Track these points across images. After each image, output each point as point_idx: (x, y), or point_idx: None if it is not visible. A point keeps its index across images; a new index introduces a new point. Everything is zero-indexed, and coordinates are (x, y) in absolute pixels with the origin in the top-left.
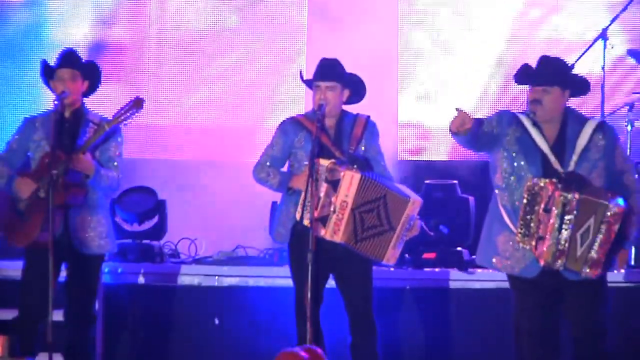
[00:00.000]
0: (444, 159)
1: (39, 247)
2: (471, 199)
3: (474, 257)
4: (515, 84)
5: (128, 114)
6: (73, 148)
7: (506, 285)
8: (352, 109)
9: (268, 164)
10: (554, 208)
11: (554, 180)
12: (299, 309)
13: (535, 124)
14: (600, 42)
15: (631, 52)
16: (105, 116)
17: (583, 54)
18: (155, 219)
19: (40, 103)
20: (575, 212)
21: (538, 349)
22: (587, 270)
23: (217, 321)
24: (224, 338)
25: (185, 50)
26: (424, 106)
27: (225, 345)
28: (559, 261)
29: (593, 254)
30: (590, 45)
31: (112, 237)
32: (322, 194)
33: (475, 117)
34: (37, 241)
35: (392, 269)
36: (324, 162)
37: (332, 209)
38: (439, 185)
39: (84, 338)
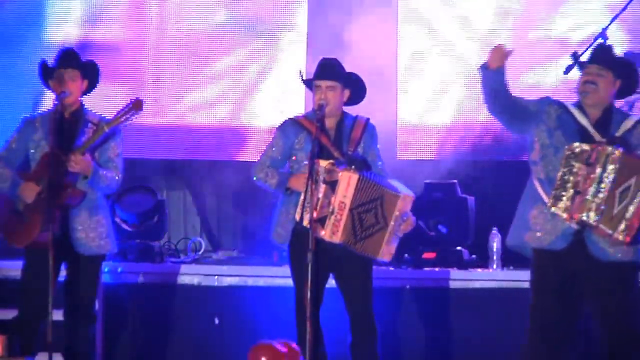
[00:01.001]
0: (444, 159)
1: (39, 247)
2: (471, 198)
3: (473, 256)
4: (573, 60)
5: (127, 116)
6: (72, 148)
7: (506, 285)
8: (353, 107)
9: (268, 164)
10: (597, 162)
11: (598, 141)
12: (299, 309)
13: (579, 107)
14: (600, 42)
15: (628, 55)
16: (104, 116)
17: (583, 53)
18: (155, 219)
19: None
20: (617, 166)
21: (550, 332)
22: (620, 232)
23: (217, 321)
24: (224, 338)
25: (184, 50)
26: (424, 105)
27: (224, 344)
28: (594, 214)
29: (628, 215)
30: (590, 45)
31: (112, 237)
32: (320, 195)
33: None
34: (36, 241)
35: (391, 268)
36: (323, 163)
37: (330, 209)
38: (438, 185)
39: (84, 338)
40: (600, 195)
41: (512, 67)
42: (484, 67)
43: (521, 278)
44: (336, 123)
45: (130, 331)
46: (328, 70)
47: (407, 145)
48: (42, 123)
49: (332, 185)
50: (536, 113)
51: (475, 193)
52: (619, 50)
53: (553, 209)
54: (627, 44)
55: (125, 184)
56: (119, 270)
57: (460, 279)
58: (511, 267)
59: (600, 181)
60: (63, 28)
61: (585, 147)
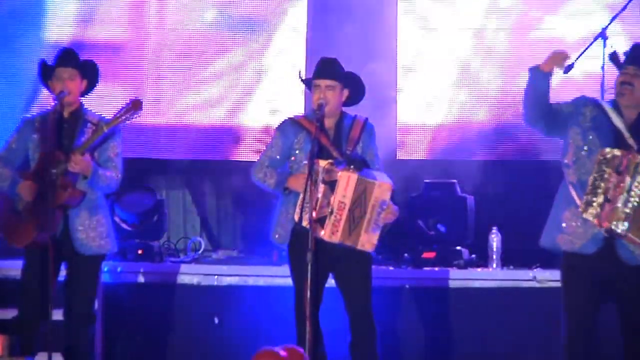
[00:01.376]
0: (443, 158)
1: (39, 247)
2: (470, 198)
3: (473, 256)
4: (610, 61)
5: (127, 115)
6: (72, 148)
7: (506, 284)
8: (353, 107)
9: (267, 164)
10: (626, 171)
11: (629, 150)
12: (298, 309)
13: (615, 107)
14: (599, 42)
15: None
16: (103, 116)
17: (582, 52)
18: (155, 219)
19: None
20: None
21: (581, 325)
22: None
23: (216, 320)
24: (224, 337)
25: (184, 49)
26: (424, 105)
27: (224, 344)
28: (623, 224)
29: None
30: (590, 44)
31: (113, 236)
32: (319, 195)
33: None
34: (36, 241)
35: (391, 268)
36: (322, 163)
37: (329, 209)
38: (438, 184)
39: (84, 337)
40: (630, 204)
41: (511, 67)
42: (535, 69)
43: (521, 277)
44: (335, 123)
45: (130, 331)
46: (327, 70)
47: (407, 145)
48: (42, 123)
49: (332, 185)
50: (570, 115)
51: (474, 192)
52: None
53: (584, 214)
54: (626, 44)
55: (124, 183)
56: (119, 269)
57: (459, 278)
58: (511, 267)
59: (630, 190)
60: (62, 28)
61: (617, 152)
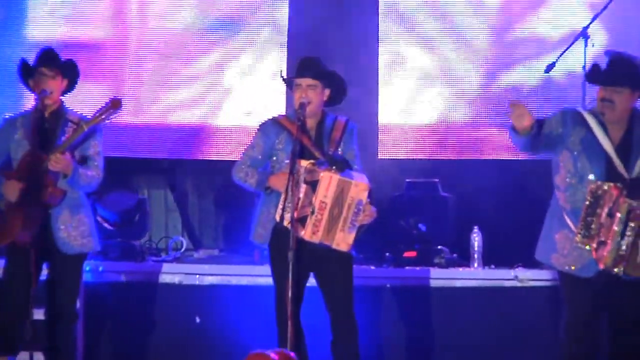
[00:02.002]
0: (425, 158)
1: (20, 246)
2: (452, 197)
3: (454, 255)
4: (588, 82)
5: (106, 115)
6: (53, 147)
7: (487, 284)
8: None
9: (248, 163)
10: (618, 214)
11: (619, 185)
12: (279, 308)
13: (601, 123)
14: (581, 41)
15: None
16: (84, 115)
17: (564, 52)
18: (136, 218)
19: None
20: (639, 219)
21: (580, 346)
22: None
23: (198, 320)
24: (205, 337)
25: (165, 49)
26: (405, 104)
27: (206, 344)
28: (620, 266)
29: None
30: (571, 44)
31: (95, 235)
32: (301, 195)
33: (537, 117)
34: (18, 240)
35: (372, 267)
36: (304, 163)
37: (311, 209)
38: (419, 184)
39: (66, 336)
40: (624, 247)
41: (493, 66)
42: (511, 130)
43: (502, 277)
44: (316, 123)
45: (112, 330)
46: (309, 69)
47: (389, 144)
48: (23, 122)
49: (313, 185)
50: (560, 137)
51: (456, 192)
52: (599, 49)
53: (580, 245)
54: (607, 43)
55: (106, 182)
56: (100, 269)
57: (441, 277)
58: (492, 266)
59: (623, 234)
60: (43, 27)
61: (606, 187)
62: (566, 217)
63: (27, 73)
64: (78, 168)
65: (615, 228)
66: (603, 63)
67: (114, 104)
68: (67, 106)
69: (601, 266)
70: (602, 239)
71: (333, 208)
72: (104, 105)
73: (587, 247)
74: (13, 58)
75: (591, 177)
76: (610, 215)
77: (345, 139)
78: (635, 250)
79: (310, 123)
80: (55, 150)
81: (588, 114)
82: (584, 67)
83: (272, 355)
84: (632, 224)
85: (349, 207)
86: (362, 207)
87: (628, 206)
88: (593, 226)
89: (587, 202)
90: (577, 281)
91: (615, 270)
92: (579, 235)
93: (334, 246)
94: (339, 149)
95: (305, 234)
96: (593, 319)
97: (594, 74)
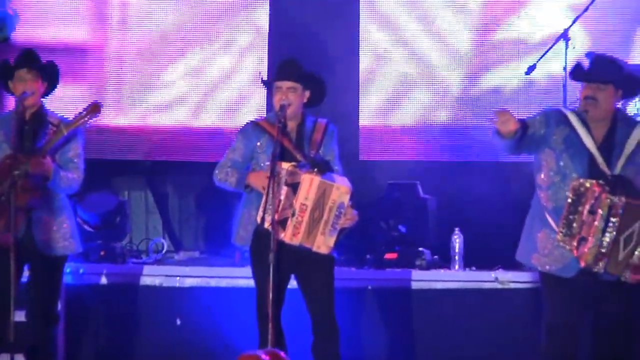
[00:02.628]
0: (406, 160)
1: (1, 248)
2: (432, 199)
3: (435, 257)
4: (572, 80)
5: (86, 119)
6: (33, 150)
7: (467, 285)
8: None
9: (229, 165)
10: (599, 210)
11: (601, 182)
12: (260, 311)
13: (584, 122)
14: (562, 42)
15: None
16: (65, 116)
17: (545, 53)
18: (117, 220)
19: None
20: (620, 215)
21: (561, 347)
22: (628, 274)
23: (178, 322)
24: (186, 338)
25: (145, 51)
26: (386, 106)
27: (186, 345)
28: (600, 263)
29: (635, 259)
30: (552, 45)
31: (77, 237)
32: (282, 197)
33: (519, 118)
34: None
35: (353, 269)
36: (285, 165)
37: (291, 212)
38: (400, 185)
39: (47, 338)
40: (605, 243)
41: (474, 69)
42: (497, 134)
43: (483, 279)
44: (297, 125)
45: (93, 332)
46: (288, 71)
47: (369, 147)
48: (3, 125)
49: (294, 187)
50: (544, 137)
51: (437, 194)
52: (580, 51)
53: (562, 244)
54: (588, 45)
55: (86, 184)
56: (81, 271)
57: (422, 279)
58: (473, 268)
59: (604, 230)
60: (24, 29)
61: (588, 184)
62: (548, 217)
63: (7, 75)
64: (59, 171)
65: (597, 224)
66: (586, 62)
67: (94, 108)
68: (47, 108)
69: (582, 264)
70: (584, 235)
71: (314, 210)
72: (84, 108)
73: (568, 248)
74: None
75: (574, 175)
76: (592, 212)
77: (325, 141)
78: (617, 247)
79: (291, 125)
80: (35, 154)
81: (571, 114)
82: (564, 68)
83: (263, 356)
84: (613, 220)
85: (330, 210)
86: (344, 211)
87: (609, 202)
88: (575, 224)
89: (570, 200)
90: (558, 281)
91: (598, 267)
92: (561, 234)
93: (315, 249)
94: (320, 151)
95: (286, 236)
96: (574, 319)
97: (578, 72)
